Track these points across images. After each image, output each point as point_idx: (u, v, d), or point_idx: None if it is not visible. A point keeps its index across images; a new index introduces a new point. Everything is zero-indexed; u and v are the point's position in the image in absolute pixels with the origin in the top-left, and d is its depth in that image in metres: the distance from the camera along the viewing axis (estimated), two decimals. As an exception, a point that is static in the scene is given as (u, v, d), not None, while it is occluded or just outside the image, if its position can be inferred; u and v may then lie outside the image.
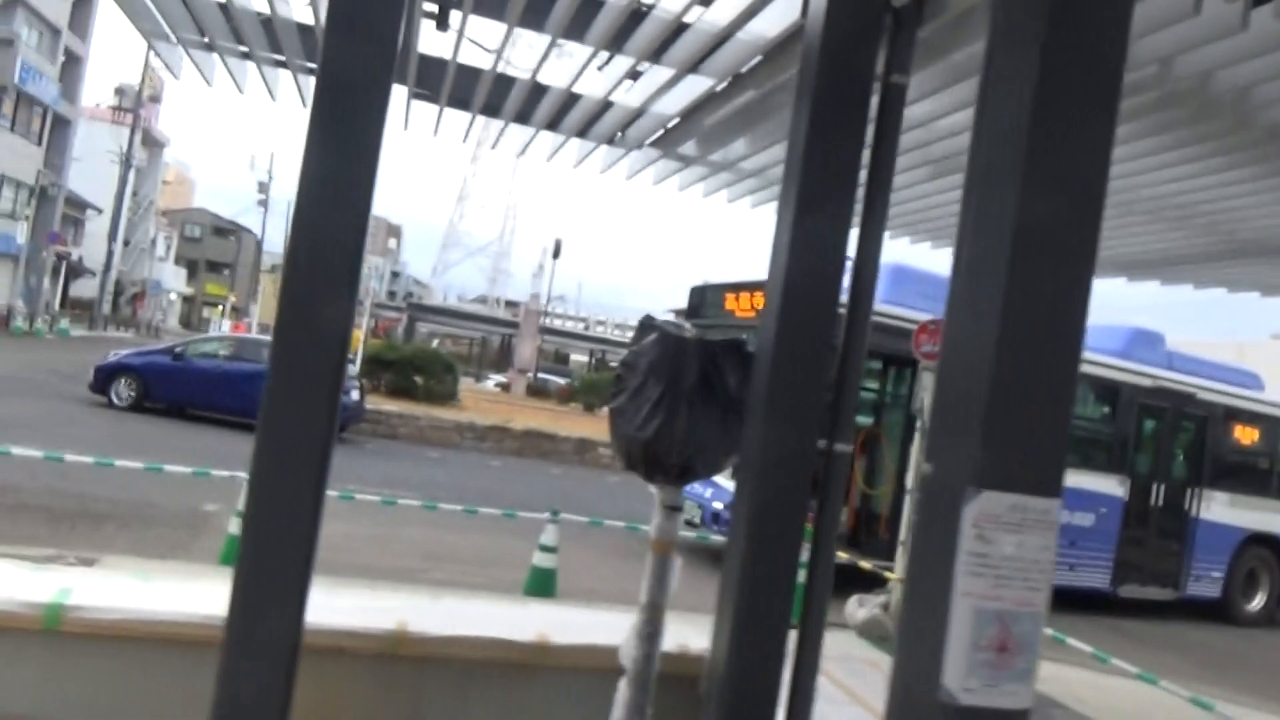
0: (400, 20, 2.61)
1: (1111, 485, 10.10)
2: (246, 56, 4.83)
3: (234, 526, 6.12)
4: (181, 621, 3.52)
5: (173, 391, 15.08)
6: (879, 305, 9.24)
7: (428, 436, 16.57)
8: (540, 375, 28.35)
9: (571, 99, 4.97)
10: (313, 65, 4.84)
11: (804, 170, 2.97)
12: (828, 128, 2.96)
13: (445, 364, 19.09)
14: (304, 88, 5.24)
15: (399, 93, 5.35)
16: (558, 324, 71.96)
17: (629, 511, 11.27)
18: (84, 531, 6.81)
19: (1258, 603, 11.25)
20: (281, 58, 4.91)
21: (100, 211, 48.39)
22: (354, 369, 17.15)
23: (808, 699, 3.21)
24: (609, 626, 4.39)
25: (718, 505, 9.01)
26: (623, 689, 3.60)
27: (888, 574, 6.87)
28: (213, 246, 76.37)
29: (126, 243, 49.97)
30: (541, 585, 6.66)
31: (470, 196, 75.77)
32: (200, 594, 3.86)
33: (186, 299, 70.94)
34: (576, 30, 4.06)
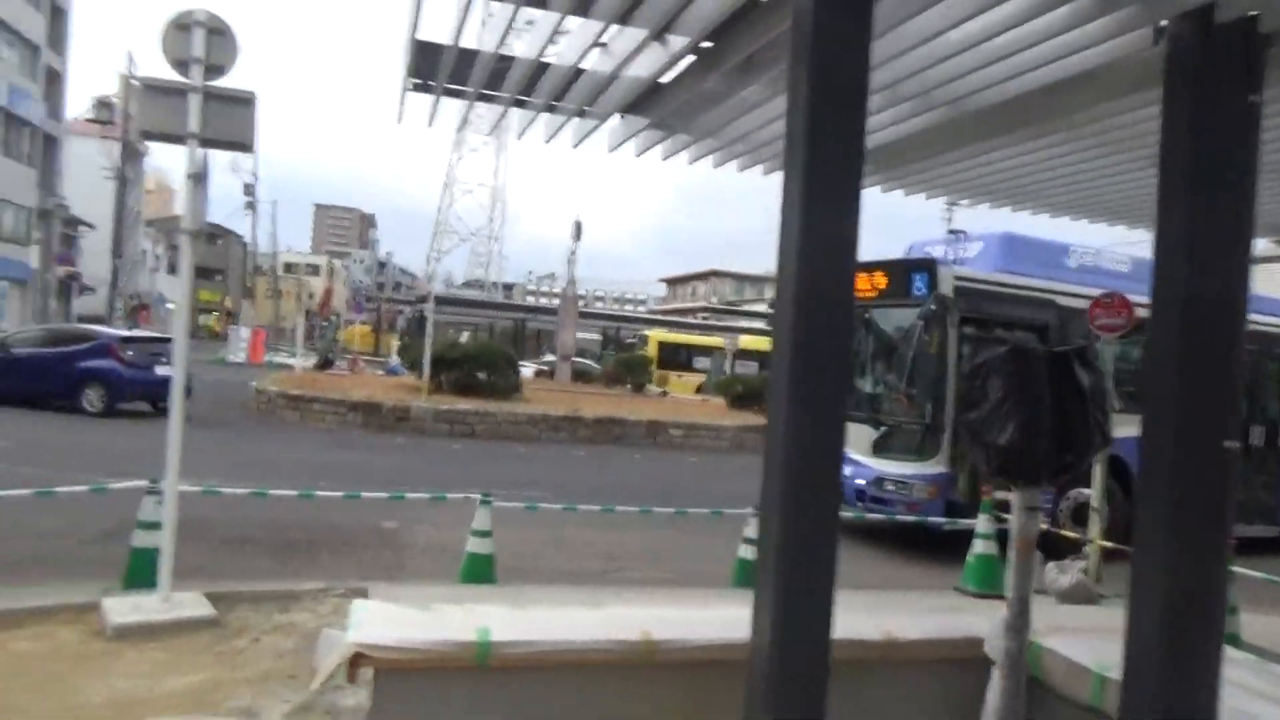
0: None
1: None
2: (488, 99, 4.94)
3: (471, 545, 6.38)
4: (594, 648, 3.80)
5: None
6: (993, 274, 9.50)
7: (505, 432, 16.81)
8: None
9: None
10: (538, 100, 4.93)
11: (1185, 198, 3.21)
12: (1210, 139, 3.19)
13: (507, 358, 19.27)
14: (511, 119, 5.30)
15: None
16: (556, 302, 72.00)
17: (735, 492, 11.65)
18: (305, 560, 7.06)
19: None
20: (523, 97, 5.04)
21: (93, 227, 47.96)
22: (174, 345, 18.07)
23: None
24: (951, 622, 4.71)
25: (860, 482, 9.32)
26: (995, 679, 3.92)
27: (1084, 538, 7.29)
28: (201, 252, 75.80)
29: (120, 256, 49.48)
30: (749, 577, 6.96)
31: (457, 182, 75.20)
32: (577, 620, 4.14)
33: (183, 307, 70.26)
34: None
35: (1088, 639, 4.49)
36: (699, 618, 4.32)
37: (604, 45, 3.92)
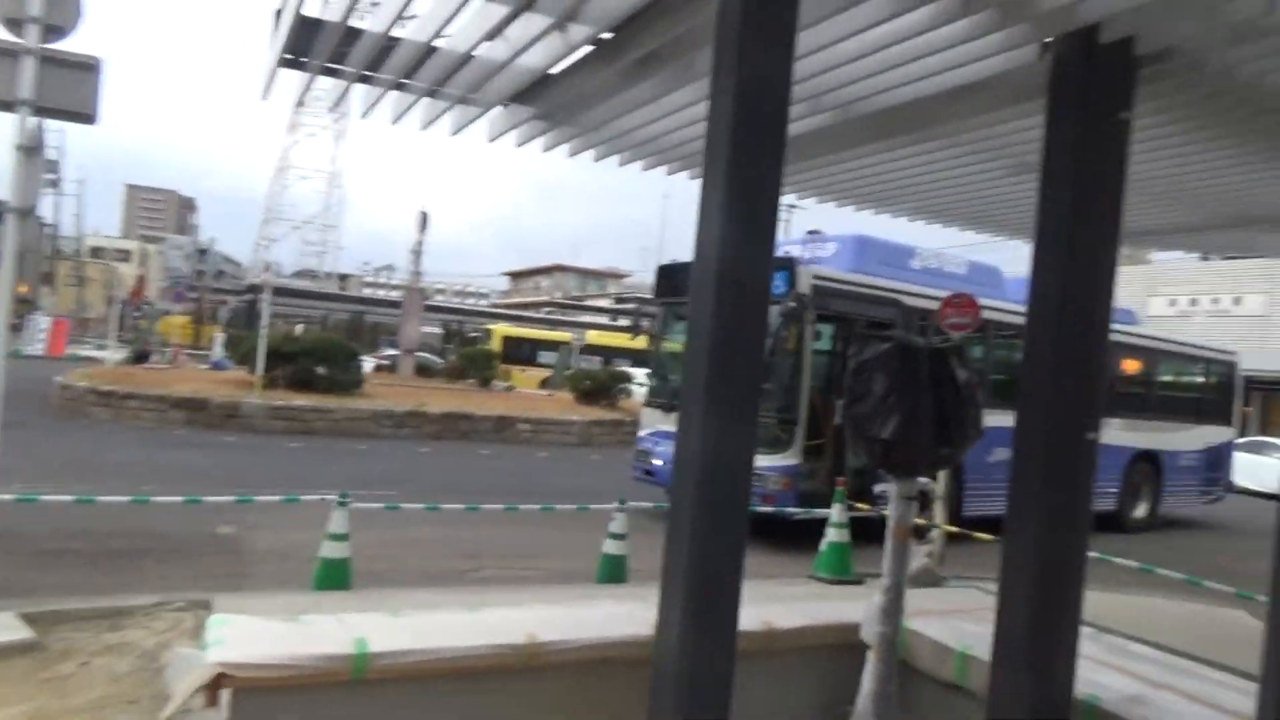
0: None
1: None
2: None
3: (325, 550, 5.99)
4: (477, 653, 3.64)
5: None
6: (848, 274, 9.87)
7: (345, 429, 16.06)
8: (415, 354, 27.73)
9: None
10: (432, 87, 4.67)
11: (1063, 204, 3.39)
12: (1087, 150, 3.38)
13: (349, 352, 18.39)
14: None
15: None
16: (395, 295, 69.70)
17: (589, 487, 11.67)
18: (132, 571, 6.44)
19: (1142, 511, 12.99)
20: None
21: None
22: None
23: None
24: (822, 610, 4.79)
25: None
26: (871, 662, 4.03)
27: (930, 524, 7.66)
28: (-8, 233, 68.62)
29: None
30: (614, 572, 6.92)
31: (291, 167, 71.45)
32: (457, 624, 3.95)
33: (-33, 293, 63.40)
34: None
35: (946, 620, 4.71)
36: (581, 617, 4.22)
37: (502, 33, 3.73)
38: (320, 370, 17.38)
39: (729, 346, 2.71)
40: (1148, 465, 12.98)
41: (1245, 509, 16.01)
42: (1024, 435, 3.56)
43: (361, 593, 5.95)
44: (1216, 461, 14.18)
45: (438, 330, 46.17)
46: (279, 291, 30.05)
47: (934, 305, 9.42)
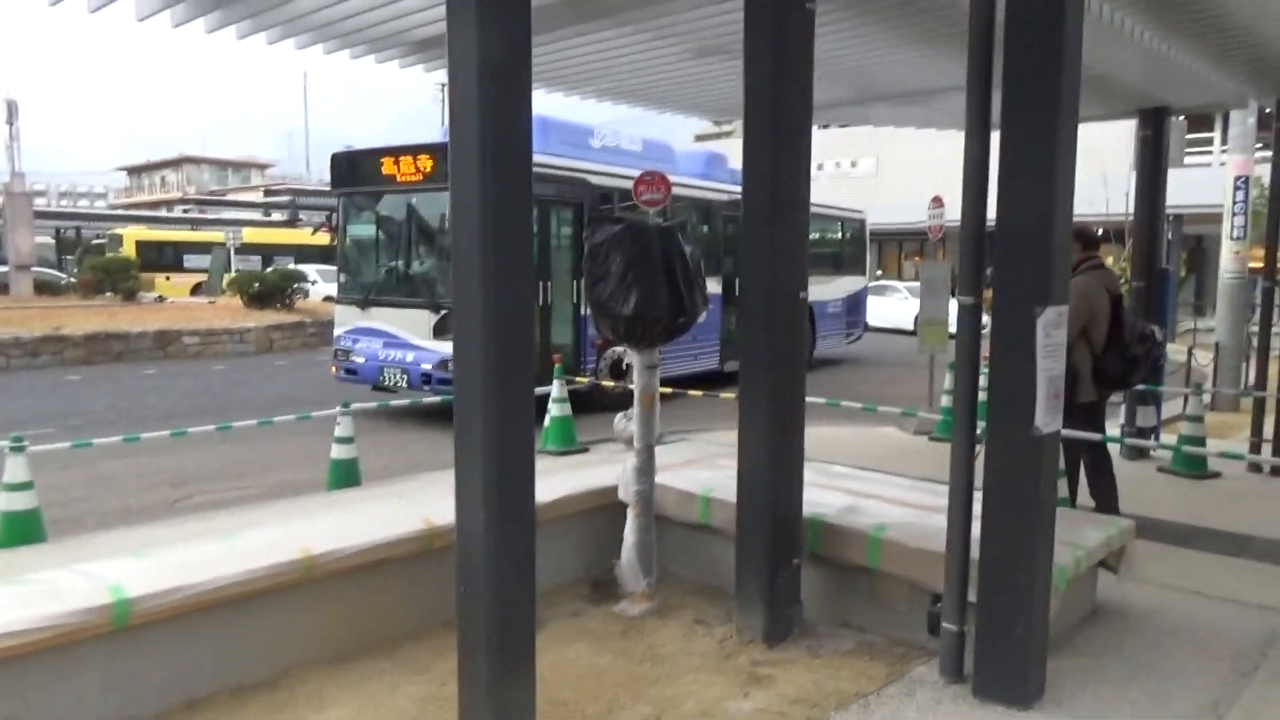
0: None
1: (713, 285, 12.45)
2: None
3: (4, 503, 5.22)
4: (253, 577, 3.52)
5: None
6: (539, 156, 9.99)
7: (-42, 363, 13.64)
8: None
9: None
10: None
11: (766, 88, 3.75)
12: (784, 37, 3.74)
13: (-50, 273, 15.31)
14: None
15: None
16: (-20, 201, 58.19)
17: (280, 395, 11.13)
18: None
19: (801, 354, 14.89)
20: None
21: None
22: None
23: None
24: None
25: (425, 366, 9.40)
26: (631, 518, 4.43)
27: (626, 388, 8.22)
28: None
29: None
30: (346, 477, 6.75)
31: None
32: (219, 553, 3.74)
33: None
34: None
35: (683, 471, 5.23)
36: (347, 524, 4.14)
37: None
38: (-90, 298, 14.41)
39: (503, 234, 2.76)
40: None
41: (877, 344, 18.94)
42: (748, 298, 4.01)
43: (63, 543, 5.32)
44: (855, 306, 16.51)
45: (48, 240, 39.65)
46: None
47: (620, 184, 9.87)
